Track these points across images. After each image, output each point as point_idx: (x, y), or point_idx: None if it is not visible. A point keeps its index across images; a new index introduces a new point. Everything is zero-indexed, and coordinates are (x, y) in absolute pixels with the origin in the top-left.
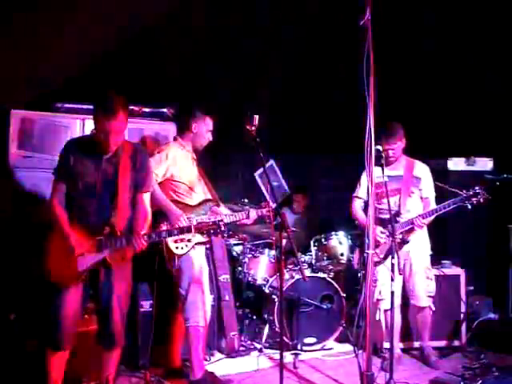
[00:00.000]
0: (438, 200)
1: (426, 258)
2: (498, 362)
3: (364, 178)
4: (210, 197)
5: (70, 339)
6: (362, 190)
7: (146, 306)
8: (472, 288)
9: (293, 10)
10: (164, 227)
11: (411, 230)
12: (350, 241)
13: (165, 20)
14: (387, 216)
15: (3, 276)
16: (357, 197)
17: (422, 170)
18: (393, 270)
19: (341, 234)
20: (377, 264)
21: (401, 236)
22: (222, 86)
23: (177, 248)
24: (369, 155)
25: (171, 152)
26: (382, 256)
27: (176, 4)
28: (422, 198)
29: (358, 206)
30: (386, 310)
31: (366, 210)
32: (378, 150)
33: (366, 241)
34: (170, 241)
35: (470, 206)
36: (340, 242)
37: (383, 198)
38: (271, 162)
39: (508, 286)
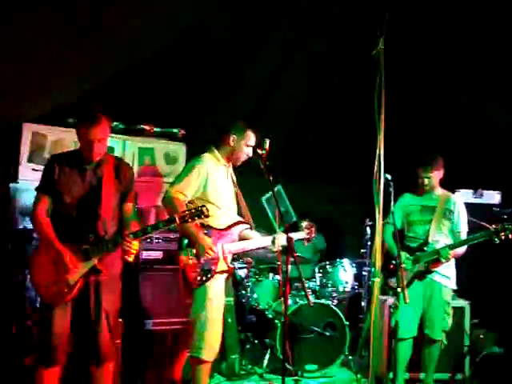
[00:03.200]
0: (468, 234)
1: (449, 292)
2: None
3: (396, 205)
4: (241, 217)
5: (61, 356)
6: (393, 217)
7: (148, 324)
8: (477, 321)
9: (305, 38)
10: (184, 255)
11: (438, 262)
12: (354, 269)
13: (178, 41)
14: (415, 244)
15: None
16: (387, 223)
17: (456, 203)
18: (398, 299)
19: (346, 261)
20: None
21: (426, 265)
22: (233, 110)
23: (195, 278)
24: (378, 183)
25: (203, 168)
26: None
27: (189, 25)
28: (453, 231)
29: (388, 232)
30: (400, 339)
31: (395, 236)
32: (386, 179)
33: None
34: (189, 270)
35: (497, 241)
36: (345, 269)
37: (413, 226)
38: (279, 187)
39: None
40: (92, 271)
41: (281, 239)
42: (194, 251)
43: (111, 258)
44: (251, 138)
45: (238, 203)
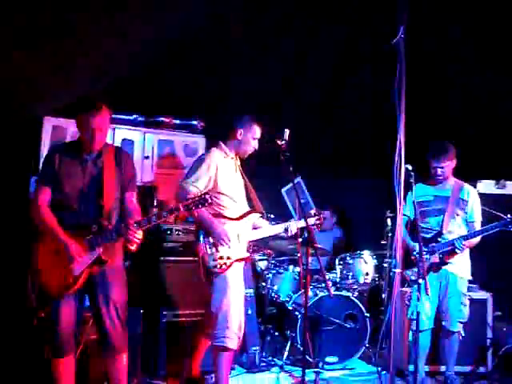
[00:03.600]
0: (483, 224)
1: (464, 282)
2: None
3: (409, 195)
4: (253, 207)
5: (69, 347)
6: (406, 208)
7: (167, 315)
8: (500, 313)
9: (321, 31)
10: (202, 245)
11: (453, 253)
12: (375, 260)
13: (198, 34)
14: (428, 235)
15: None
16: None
17: (470, 193)
18: (419, 290)
19: (366, 253)
20: (413, 283)
21: (440, 256)
22: (250, 101)
23: (215, 267)
24: (398, 174)
25: (213, 162)
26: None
27: (208, 18)
28: (467, 221)
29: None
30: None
31: (410, 227)
32: (407, 169)
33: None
34: (208, 259)
35: None
36: (365, 261)
37: (426, 217)
38: (299, 178)
39: None
40: (97, 262)
41: (293, 227)
42: (212, 240)
43: (114, 249)
44: (257, 131)
45: (248, 195)
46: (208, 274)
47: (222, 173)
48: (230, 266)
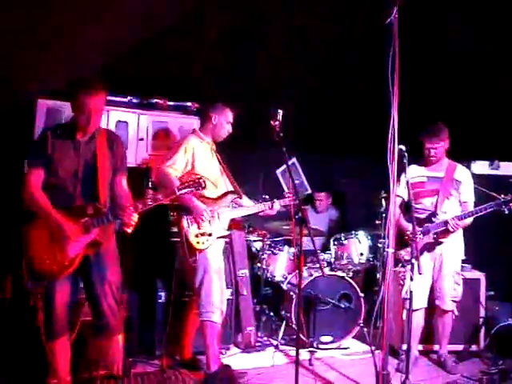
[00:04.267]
0: (476, 205)
1: (458, 262)
2: None
3: (402, 176)
4: (231, 189)
5: (63, 328)
6: (400, 189)
7: (163, 297)
8: (493, 293)
9: (317, 9)
10: (185, 222)
11: (446, 232)
12: (369, 241)
13: (192, 15)
14: (423, 216)
15: None
16: (396, 195)
17: (463, 173)
18: (412, 270)
19: (361, 233)
20: (407, 262)
21: (434, 236)
22: (248, 84)
23: (198, 243)
24: (391, 154)
25: (190, 145)
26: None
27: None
28: (460, 201)
29: (396, 203)
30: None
31: (404, 208)
32: (400, 150)
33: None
34: (191, 236)
35: (506, 211)
36: (360, 241)
37: (420, 198)
38: (293, 159)
39: None
40: (92, 244)
41: (276, 204)
42: (192, 217)
43: (108, 231)
44: (229, 115)
45: (225, 177)
46: (191, 250)
47: (199, 156)
48: (211, 242)
